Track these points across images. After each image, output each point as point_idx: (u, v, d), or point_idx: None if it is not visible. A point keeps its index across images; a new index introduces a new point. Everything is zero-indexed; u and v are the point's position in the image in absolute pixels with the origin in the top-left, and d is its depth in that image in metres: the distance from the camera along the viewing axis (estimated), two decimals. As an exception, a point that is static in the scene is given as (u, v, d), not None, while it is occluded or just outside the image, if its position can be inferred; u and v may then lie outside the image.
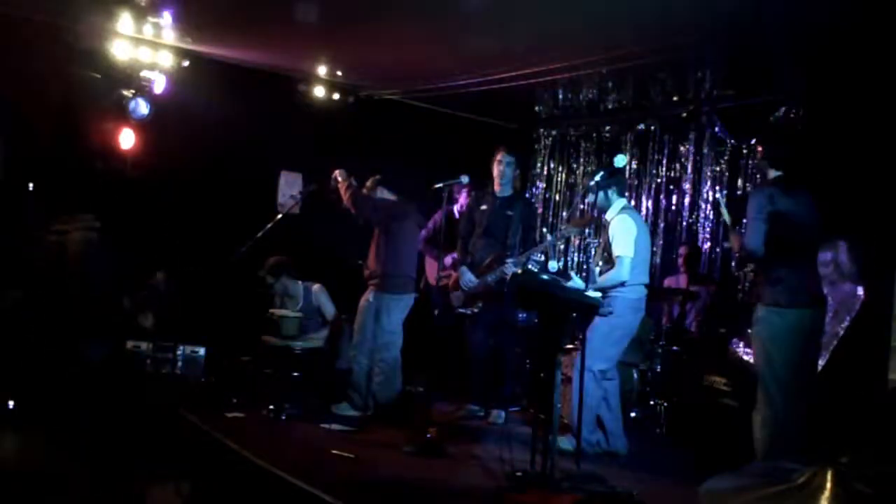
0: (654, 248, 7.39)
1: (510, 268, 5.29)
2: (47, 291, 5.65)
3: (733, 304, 6.55)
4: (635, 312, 4.91)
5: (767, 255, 4.07)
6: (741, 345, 5.36)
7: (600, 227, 7.70)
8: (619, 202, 5.00)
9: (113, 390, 5.74)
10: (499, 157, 5.70)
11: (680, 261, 6.54)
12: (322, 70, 7.25)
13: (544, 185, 8.58)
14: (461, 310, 5.60)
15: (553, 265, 4.66)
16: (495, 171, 5.70)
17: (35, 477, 4.50)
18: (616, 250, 4.82)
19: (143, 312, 6.28)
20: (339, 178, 5.62)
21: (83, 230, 5.62)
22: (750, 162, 6.69)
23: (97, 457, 4.95)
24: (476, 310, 5.54)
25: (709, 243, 6.95)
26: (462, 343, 5.78)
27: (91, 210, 6.43)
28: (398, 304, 5.56)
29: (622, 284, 4.79)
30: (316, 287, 6.31)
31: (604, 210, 5.04)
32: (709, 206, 6.99)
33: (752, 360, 5.03)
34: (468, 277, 5.56)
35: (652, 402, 5.95)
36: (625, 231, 4.83)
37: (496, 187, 5.72)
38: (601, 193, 4.98)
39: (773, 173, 4.24)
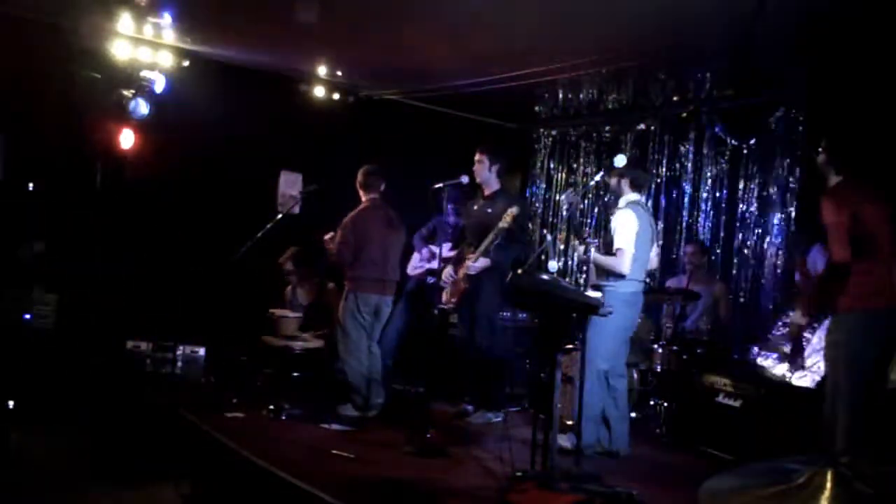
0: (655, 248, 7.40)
1: (471, 264, 5.48)
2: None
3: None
4: (630, 307, 4.86)
5: (853, 260, 3.89)
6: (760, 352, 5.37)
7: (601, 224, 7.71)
8: (629, 196, 4.97)
9: (113, 390, 5.74)
10: (475, 156, 5.75)
11: (686, 259, 6.52)
12: (322, 70, 7.26)
13: (544, 185, 8.59)
14: (441, 306, 5.73)
15: (553, 265, 4.66)
16: (475, 169, 5.74)
17: (35, 477, 4.51)
18: (616, 243, 4.81)
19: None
20: (327, 242, 5.71)
21: None
22: (750, 162, 6.70)
23: (97, 457, 4.95)
24: (451, 306, 5.64)
25: (708, 244, 6.95)
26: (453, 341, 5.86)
27: (91, 210, 6.44)
28: (364, 303, 5.59)
29: (622, 277, 4.76)
30: (331, 285, 6.33)
31: (615, 198, 5.03)
32: (709, 206, 6.99)
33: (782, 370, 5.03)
34: (445, 272, 5.70)
35: (652, 402, 5.95)
36: (625, 225, 4.81)
37: (482, 187, 5.79)
38: (616, 179, 4.98)
39: (835, 178, 4.07)
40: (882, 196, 4.03)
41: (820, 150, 4.22)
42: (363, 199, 5.75)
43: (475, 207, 5.79)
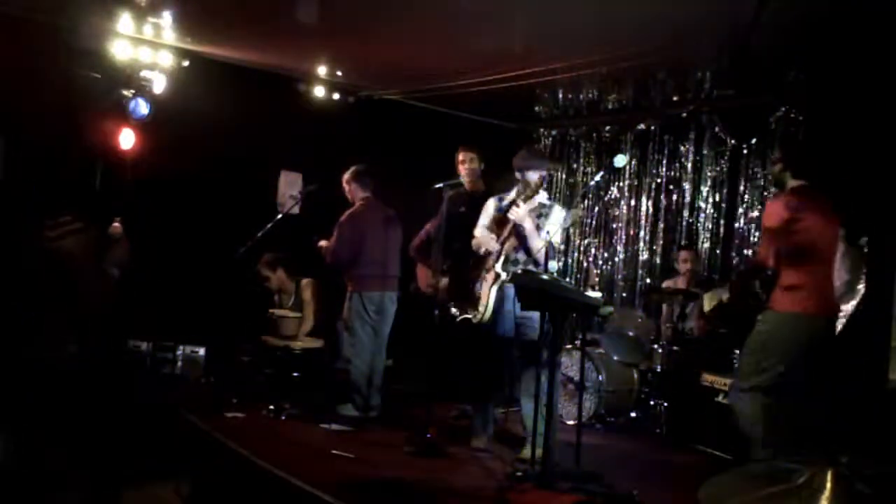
0: (654, 248, 7.41)
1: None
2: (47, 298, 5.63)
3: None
4: None
5: (783, 264, 4.09)
6: None
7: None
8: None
9: (113, 390, 5.74)
10: (461, 156, 5.70)
11: (686, 266, 6.51)
12: (322, 70, 7.26)
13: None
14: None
15: (553, 265, 4.66)
16: (463, 170, 5.68)
17: (35, 477, 4.50)
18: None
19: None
20: (323, 247, 5.75)
21: (72, 235, 5.63)
22: (750, 162, 6.70)
23: (97, 457, 4.95)
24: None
25: (708, 244, 6.95)
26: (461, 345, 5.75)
27: (92, 211, 6.42)
28: (369, 301, 5.60)
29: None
30: (305, 281, 6.34)
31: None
32: (709, 206, 6.99)
33: None
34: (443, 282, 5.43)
35: (652, 402, 5.96)
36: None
37: (468, 186, 5.70)
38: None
39: (792, 182, 4.21)
40: (830, 206, 4.15)
41: (774, 159, 4.40)
42: (358, 199, 5.75)
43: (463, 209, 5.50)
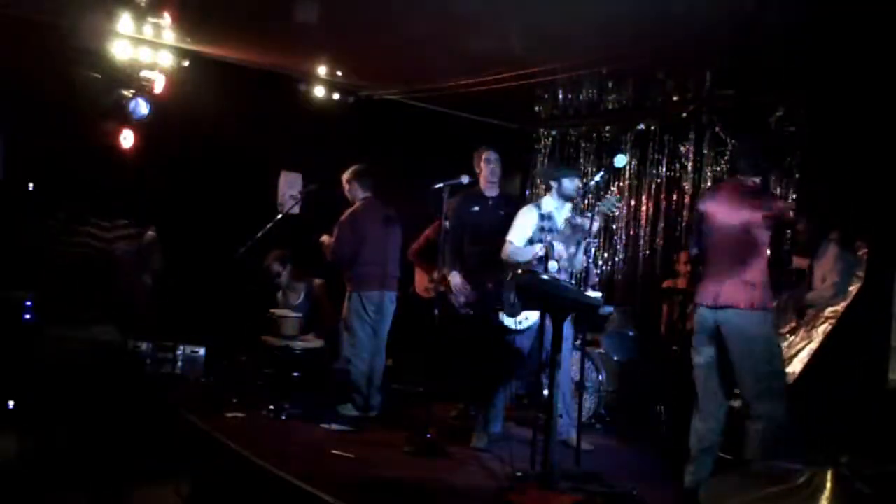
0: (655, 248, 7.40)
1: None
2: (80, 294, 5.65)
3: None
4: None
5: (700, 254, 4.29)
6: None
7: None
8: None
9: (113, 390, 5.74)
10: (486, 155, 5.65)
11: (686, 266, 6.49)
12: (322, 70, 7.26)
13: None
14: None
15: (553, 265, 4.66)
16: (485, 170, 5.62)
17: (35, 476, 4.50)
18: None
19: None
20: (325, 242, 5.77)
21: (125, 240, 5.68)
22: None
23: (97, 457, 4.95)
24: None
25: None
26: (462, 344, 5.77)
27: (92, 211, 6.44)
28: (368, 301, 5.61)
29: None
30: (318, 281, 6.33)
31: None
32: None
33: None
34: (456, 281, 5.45)
35: (652, 402, 5.95)
36: None
37: (484, 186, 5.66)
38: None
39: (738, 178, 4.37)
40: (755, 202, 4.14)
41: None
42: (358, 198, 5.75)
43: (476, 209, 5.56)
